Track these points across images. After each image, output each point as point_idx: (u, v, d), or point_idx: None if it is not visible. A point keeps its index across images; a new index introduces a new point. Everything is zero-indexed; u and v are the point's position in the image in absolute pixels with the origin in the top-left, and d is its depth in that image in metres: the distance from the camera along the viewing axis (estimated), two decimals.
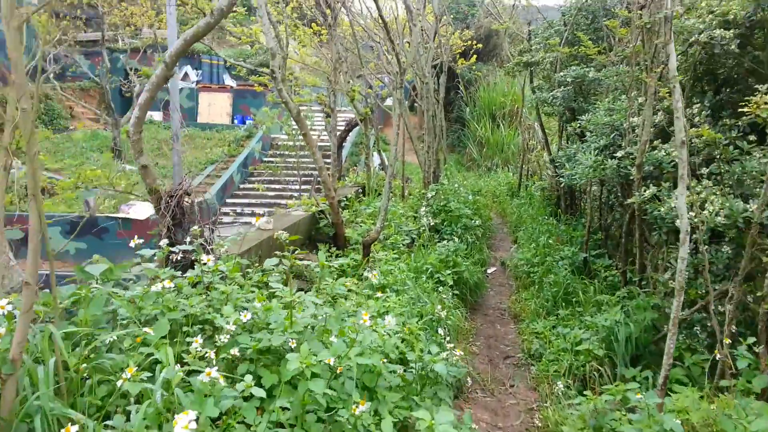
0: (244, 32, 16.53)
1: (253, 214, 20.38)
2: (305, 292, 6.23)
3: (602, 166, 6.92)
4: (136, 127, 4.80)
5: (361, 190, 10.98)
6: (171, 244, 4.71)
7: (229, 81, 26.63)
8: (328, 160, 10.27)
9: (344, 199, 9.14)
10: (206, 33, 4.69)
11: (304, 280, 6.43)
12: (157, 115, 25.49)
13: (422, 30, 10.03)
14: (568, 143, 11.86)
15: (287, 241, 3.89)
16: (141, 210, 17.06)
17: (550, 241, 9.39)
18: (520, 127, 16.27)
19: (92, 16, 25.19)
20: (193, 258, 4.65)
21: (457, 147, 23.03)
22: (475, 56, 20.63)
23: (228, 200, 20.82)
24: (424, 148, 10.35)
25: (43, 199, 17.44)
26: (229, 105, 25.39)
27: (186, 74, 26.07)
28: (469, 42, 19.72)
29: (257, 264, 5.88)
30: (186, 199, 5.04)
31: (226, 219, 20.10)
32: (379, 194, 9.97)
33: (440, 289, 7.14)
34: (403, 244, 8.08)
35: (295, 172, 21.00)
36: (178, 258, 4.69)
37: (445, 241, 8.66)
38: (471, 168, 20.38)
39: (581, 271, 8.67)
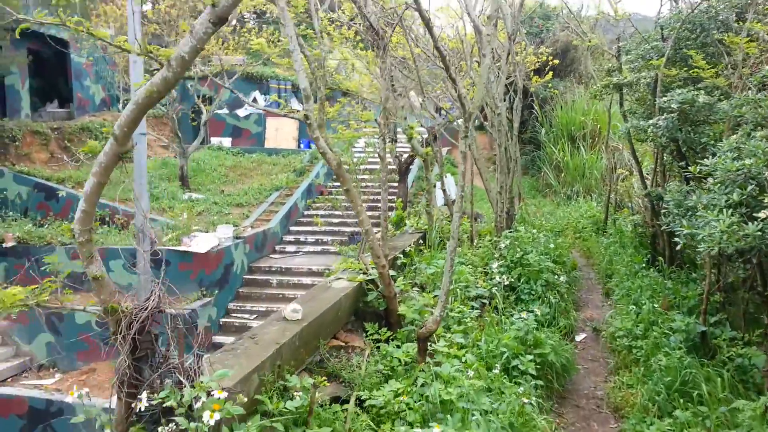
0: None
1: (317, 243, 19.07)
2: (341, 405, 4.62)
3: (740, 231, 5.00)
4: (82, 224, 3.34)
5: (422, 239, 9.25)
6: (133, 388, 3.21)
7: (296, 105, 25.62)
8: (375, 220, 8.33)
9: (401, 256, 7.46)
10: (166, 91, 3.24)
11: (342, 383, 4.84)
12: (226, 141, 24.78)
13: (493, 50, 8.32)
14: (665, 179, 9.81)
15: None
16: (202, 243, 16.03)
17: (654, 306, 7.40)
18: (604, 151, 14.16)
19: (162, 45, 24.65)
20: (165, 405, 3.15)
21: (531, 170, 20.93)
22: (550, 73, 18.62)
23: (292, 228, 19.60)
24: (495, 186, 8.60)
25: (110, 231, 16.51)
26: (295, 129, 24.34)
27: (254, 99, 25.24)
28: (544, 58, 17.75)
29: (277, 378, 4.31)
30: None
31: (289, 248, 18.91)
32: (443, 246, 8.24)
33: (521, 387, 5.36)
34: (471, 317, 6.35)
35: (367, 198, 19.69)
36: (142, 408, 3.17)
37: (522, 313, 6.85)
38: (547, 194, 18.28)
39: (699, 348, 6.67)
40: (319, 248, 18.66)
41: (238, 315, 16.29)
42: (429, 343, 5.13)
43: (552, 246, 8.78)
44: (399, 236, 8.90)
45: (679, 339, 6.67)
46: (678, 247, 5.89)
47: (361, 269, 6.13)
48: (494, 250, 8.22)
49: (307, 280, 16.38)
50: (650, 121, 8.44)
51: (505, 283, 7.44)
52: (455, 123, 23.11)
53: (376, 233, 6.65)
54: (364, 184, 19.88)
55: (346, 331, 5.63)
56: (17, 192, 17.95)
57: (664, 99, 8.08)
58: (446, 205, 10.21)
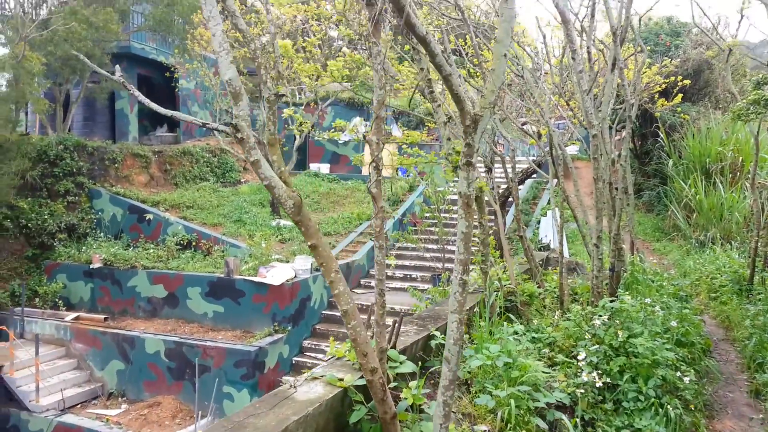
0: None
1: (405, 278, 16.90)
2: None
3: None
4: None
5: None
6: None
7: (396, 131, 23.78)
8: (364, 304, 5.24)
9: (437, 333, 4.98)
10: None
11: None
12: (324, 167, 23.41)
13: (588, 51, 5.82)
14: None
15: None
16: (278, 275, 14.41)
17: None
18: (749, 189, 10.77)
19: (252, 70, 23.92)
20: None
21: (656, 207, 17.35)
22: (680, 95, 15.27)
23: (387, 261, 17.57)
24: (590, 235, 5.96)
25: (194, 256, 15.32)
26: (393, 155, 22.42)
27: (355, 125, 23.72)
28: (672, 78, 14.53)
29: None
30: None
31: (374, 283, 16.90)
32: (507, 318, 5.64)
33: None
34: None
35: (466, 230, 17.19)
36: None
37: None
38: (674, 238, 14.73)
39: None
40: (406, 284, 16.47)
41: (313, 354, 14.46)
42: None
43: (674, 324, 5.91)
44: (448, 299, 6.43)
45: None
46: None
47: (356, 359, 3.86)
48: (586, 326, 5.60)
49: (388, 320, 14.29)
50: None
51: (598, 384, 4.82)
52: (570, 147, 20.09)
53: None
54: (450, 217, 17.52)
55: None
56: (112, 213, 17.45)
57: None
58: (541, 248, 7.62)
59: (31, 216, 16.02)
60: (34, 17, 15.91)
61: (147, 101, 3.28)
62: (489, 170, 14.74)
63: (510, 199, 16.52)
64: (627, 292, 6.26)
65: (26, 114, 19.87)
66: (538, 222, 16.44)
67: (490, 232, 9.83)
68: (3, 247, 15.90)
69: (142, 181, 19.10)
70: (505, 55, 2.51)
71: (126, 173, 18.61)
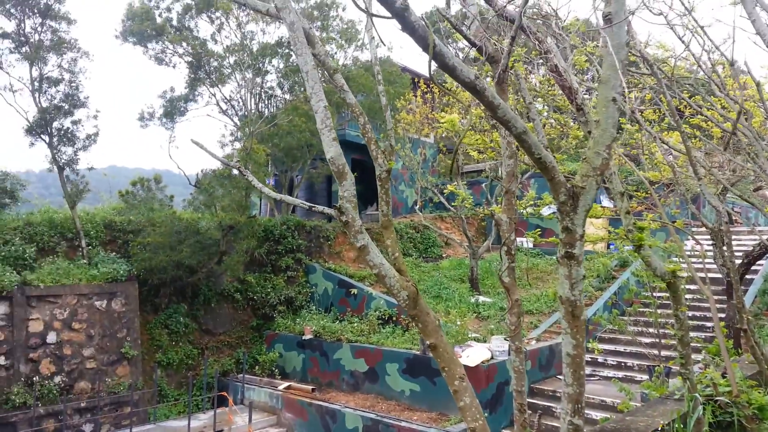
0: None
1: (619, 366, 14.90)
2: None
3: None
4: None
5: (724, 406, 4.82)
6: None
7: (606, 203, 21.95)
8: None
9: None
10: None
11: None
12: (528, 242, 22.37)
13: None
14: None
15: None
16: (473, 355, 13.73)
17: None
18: None
19: (451, 147, 24.09)
20: None
21: None
22: None
23: (588, 345, 15.81)
24: None
25: (394, 331, 15.40)
26: (604, 230, 20.63)
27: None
28: None
29: None
30: None
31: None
32: None
33: None
34: None
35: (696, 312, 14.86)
36: None
37: None
38: None
39: None
40: (620, 374, 14.57)
41: None
42: None
43: None
44: (649, 404, 5.07)
45: None
46: None
47: None
48: None
49: (596, 415, 12.55)
50: None
51: None
52: None
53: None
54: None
55: None
56: (324, 287, 18.46)
57: None
58: (753, 354, 5.94)
59: (257, 289, 17.61)
60: (266, 114, 18.04)
61: (259, 185, 3.15)
62: (723, 242, 12.57)
63: (745, 275, 13.87)
64: None
65: (260, 199, 22.42)
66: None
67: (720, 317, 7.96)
68: (233, 317, 17.63)
69: (351, 257, 20.03)
70: (614, 100, 1.81)
71: (338, 250, 19.70)
